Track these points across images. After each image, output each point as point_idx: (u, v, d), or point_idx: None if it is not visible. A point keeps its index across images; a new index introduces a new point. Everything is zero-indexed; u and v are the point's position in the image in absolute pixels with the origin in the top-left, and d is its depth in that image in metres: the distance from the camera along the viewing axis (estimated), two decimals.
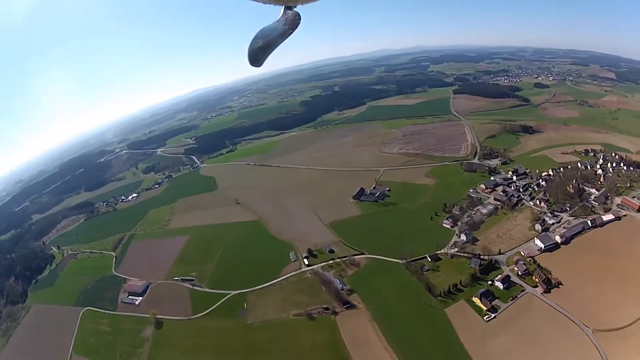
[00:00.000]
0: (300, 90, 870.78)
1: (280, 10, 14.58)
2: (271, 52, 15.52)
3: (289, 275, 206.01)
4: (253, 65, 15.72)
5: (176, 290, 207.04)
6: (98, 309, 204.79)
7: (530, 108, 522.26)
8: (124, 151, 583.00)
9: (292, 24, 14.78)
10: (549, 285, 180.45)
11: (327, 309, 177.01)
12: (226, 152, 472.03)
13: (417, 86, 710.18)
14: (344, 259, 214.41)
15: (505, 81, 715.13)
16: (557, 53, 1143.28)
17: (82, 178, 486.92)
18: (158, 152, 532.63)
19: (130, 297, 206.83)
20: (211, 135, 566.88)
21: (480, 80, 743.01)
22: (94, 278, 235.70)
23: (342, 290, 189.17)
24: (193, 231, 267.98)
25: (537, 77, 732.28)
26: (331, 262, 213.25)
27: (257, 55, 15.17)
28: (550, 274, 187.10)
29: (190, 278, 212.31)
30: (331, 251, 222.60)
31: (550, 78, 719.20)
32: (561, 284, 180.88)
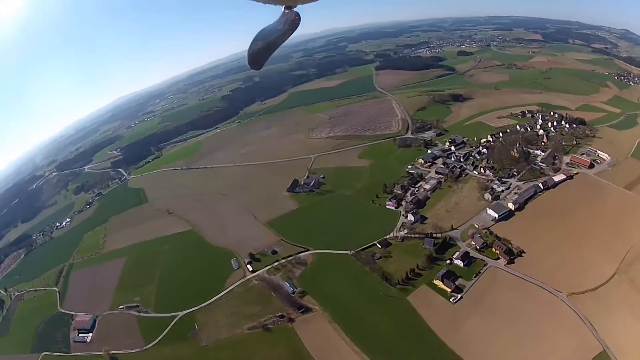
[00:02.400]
0: (221, 85, 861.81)
1: (280, 10, 14.88)
2: (271, 53, 15.77)
3: (234, 285, 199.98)
4: (253, 68, 16.07)
5: (123, 320, 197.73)
6: (54, 353, 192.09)
7: (457, 76, 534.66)
8: (53, 173, 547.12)
9: (292, 24, 15.02)
10: (512, 255, 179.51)
11: (281, 317, 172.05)
12: (152, 160, 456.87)
13: (338, 67, 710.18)
14: (289, 258, 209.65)
15: (428, 53, 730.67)
16: (479, 21, 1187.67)
17: (18, 209, 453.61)
18: (86, 170, 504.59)
19: (80, 334, 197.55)
20: (136, 144, 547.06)
21: (401, 55, 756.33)
22: (43, 319, 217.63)
23: (293, 293, 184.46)
24: (129, 251, 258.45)
25: (459, 46, 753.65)
26: (276, 264, 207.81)
27: (257, 57, 15.49)
28: (511, 244, 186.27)
29: (135, 304, 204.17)
30: (274, 252, 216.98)
31: (474, 45, 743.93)
32: (524, 252, 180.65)
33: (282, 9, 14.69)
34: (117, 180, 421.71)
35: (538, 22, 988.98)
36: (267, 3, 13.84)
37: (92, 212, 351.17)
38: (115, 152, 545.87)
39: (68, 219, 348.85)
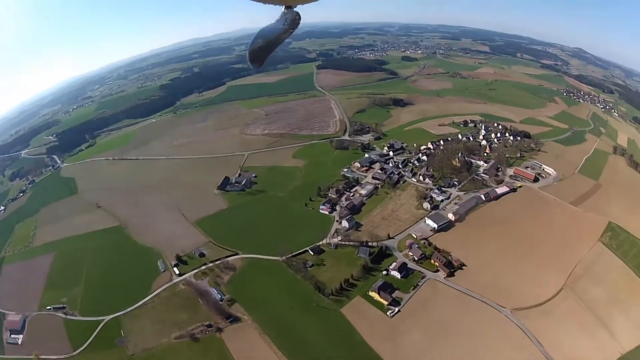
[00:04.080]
0: (160, 73, 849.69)
1: (280, 10, 16.14)
2: (272, 51, 17.14)
3: (160, 289, 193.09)
4: (253, 65, 17.49)
5: (51, 322, 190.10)
6: None
7: (399, 81, 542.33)
8: None
9: (292, 23, 16.27)
10: (452, 268, 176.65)
11: (209, 326, 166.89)
12: (86, 148, 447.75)
13: (279, 63, 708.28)
14: (217, 262, 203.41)
15: (371, 55, 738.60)
16: (426, 28, 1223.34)
17: None
18: (23, 155, 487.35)
19: (12, 335, 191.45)
20: (72, 130, 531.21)
21: (344, 55, 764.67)
22: None
23: (221, 301, 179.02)
24: (58, 246, 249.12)
25: (404, 51, 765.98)
26: (204, 268, 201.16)
27: (257, 55, 16.92)
28: (451, 256, 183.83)
29: (62, 306, 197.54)
30: (202, 255, 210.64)
31: (419, 52, 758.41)
32: (464, 265, 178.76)
33: (282, 9, 15.95)
34: (50, 167, 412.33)
35: (487, 34, 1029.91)
36: (268, 3, 15.04)
37: (25, 200, 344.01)
38: (51, 137, 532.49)
39: (2, 207, 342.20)
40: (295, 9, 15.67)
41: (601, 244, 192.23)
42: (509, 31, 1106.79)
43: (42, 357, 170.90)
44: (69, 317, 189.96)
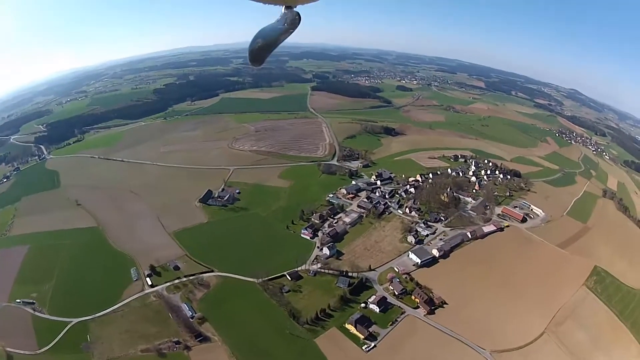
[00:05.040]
0: (156, 77, 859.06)
1: (280, 10, 15.68)
2: (271, 52, 16.39)
3: (131, 298, 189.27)
4: (253, 65, 16.75)
5: (19, 316, 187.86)
6: None
7: (392, 110, 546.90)
8: None
9: (292, 23, 15.74)
10: (432, 305, 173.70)
11: (178, 342, 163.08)
12: (74, 142, 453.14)
13: (274, 80, 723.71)
14: (191, 277, 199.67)
15: (366, 81, 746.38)
16: (423, 59, 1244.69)
17: None
18: (11, 140, 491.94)
19: None
20: (62, 122, 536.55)
21: (340, 79, 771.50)
22: None
23: (192, 318, 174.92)
24: (33, 239, 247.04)
25: (400, 80, 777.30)
26: (177, 281, 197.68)
27: (257, 55, 16.15)
28: (432, 293, 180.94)
29: (31, 301, 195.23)
30: (176, 268, 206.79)
31: (414, 82, 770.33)
32: (446, 303, 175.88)
33: (282, 9, 15.46)
34: (37, 157, 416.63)
35: (483, 70, 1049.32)
36: (267, 3, 14.73)
37: (7, 187, 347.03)
38: (41, 126, 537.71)
39: None
40: (295, 9, 15.38)
41: (586, 288, 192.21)
42: (505, 68, 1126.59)
43: (8, 349, 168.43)
44: (37, 313, 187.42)
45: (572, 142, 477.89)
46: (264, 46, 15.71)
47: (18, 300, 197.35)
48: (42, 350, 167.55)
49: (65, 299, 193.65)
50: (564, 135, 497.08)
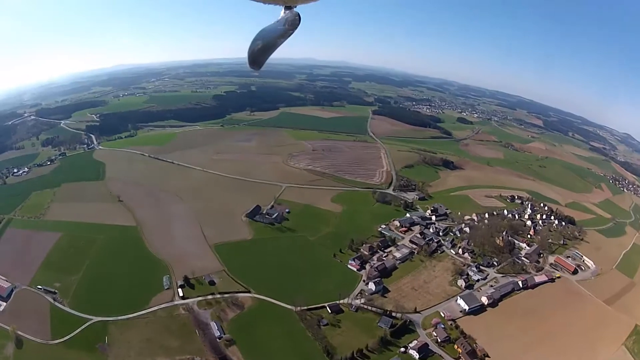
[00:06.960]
0: (217, 83, 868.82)
1: (280, 10, 15.38)
2: (271, 53, 16.18)
3: (159, 307, 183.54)
4: (253, 67, 16.39)
5: (38, 303, 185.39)
6: None
7: (452, 142, 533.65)
8: (32, 117, 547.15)
9: (292, 24, 15.43)
10: (474, 357, 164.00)
11: None
12: (125, 137, 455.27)
13: (336, 100, 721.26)
14: (225, 295, 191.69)
15: (427, 110, 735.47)
16: (484, 92, 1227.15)
17: None
18: (62, 124, 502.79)
19: None
20: (117, 115, 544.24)
21: (401, 105, 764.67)
22: None
23: (219, 338, 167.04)
24: (67, 227, 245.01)
25: (460, 112, 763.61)
26: (210, 297, 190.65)
27: (257, 57, 15.81)
28: (476, 343, 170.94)
29: (53, 290, 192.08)
30: (212, 282, 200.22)
31: (475, 115, 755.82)
32: (488, 356, 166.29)
33: (282, 9, 15.15)
34: (85, 146, 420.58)
35: (541, 108, 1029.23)
36: (268, 3, 14.58)
37: (50, 170, 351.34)
38: (94, 116, 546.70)
39: (26, 169, 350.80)
40: (295, 9, 15.13)
41: (624, 348, 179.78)
42: (563, 108, 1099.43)
43: (19, 333, 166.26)
44: (57, 303, 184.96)
45: (625, 189, 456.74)
46: (264, 48, 15.42)
47: (40, 287, 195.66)
48: (55, 341, 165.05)
49: (89, 294, 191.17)
50: (617, 182, 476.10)
